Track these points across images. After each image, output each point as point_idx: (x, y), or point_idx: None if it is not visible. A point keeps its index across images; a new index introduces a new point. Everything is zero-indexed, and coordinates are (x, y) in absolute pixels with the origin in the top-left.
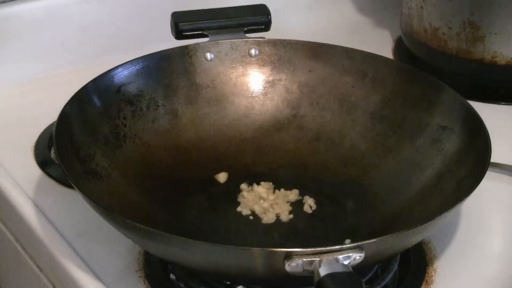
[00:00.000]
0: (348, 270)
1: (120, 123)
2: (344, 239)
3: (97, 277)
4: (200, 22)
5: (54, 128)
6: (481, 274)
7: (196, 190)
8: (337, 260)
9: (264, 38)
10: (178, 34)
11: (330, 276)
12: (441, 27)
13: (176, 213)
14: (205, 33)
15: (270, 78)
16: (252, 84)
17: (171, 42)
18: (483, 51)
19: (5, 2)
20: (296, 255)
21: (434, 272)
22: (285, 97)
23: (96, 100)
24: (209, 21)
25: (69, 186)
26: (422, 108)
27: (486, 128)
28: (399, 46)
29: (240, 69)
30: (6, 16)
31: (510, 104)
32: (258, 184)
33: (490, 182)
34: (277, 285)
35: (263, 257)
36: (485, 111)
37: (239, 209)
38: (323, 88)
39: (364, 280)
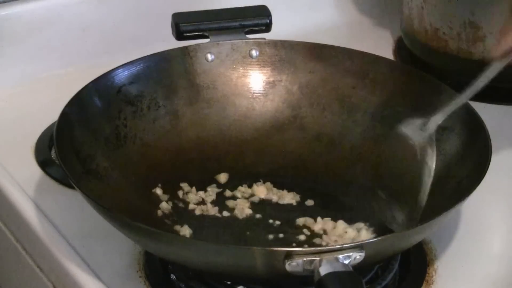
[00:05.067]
0: (348, 270)
1: (121, 123)
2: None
3: (98, 277)
4: (201, 23)
5: (55, 128)
6: (482, 274)
7: (196, 190)
8: (337, 259)
9: (264, 39)
10: (179, 35)
11: (330, 275)
12: (441, 27)
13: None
14: (206, 34)
15: (271, 79)
16: (253, 85)
17: (171, 43)
18: (484, 52)
19: (5, 2)
20: (297, 254)
21: (435, 272)
22: (286, 98)
23: (96, 101)
24: (210, 22)
25: (69, 186)
26: (422, 109)
27: (486, 128)
28: (400, 46)
29: (241, 70)
30: (6, 16)
31: (510, 104)
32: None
33: (490, 182)
34: (278, 285)
35: (264, 256)
36: (485, 111)
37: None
38: (324, 89)
39: (364, 280)
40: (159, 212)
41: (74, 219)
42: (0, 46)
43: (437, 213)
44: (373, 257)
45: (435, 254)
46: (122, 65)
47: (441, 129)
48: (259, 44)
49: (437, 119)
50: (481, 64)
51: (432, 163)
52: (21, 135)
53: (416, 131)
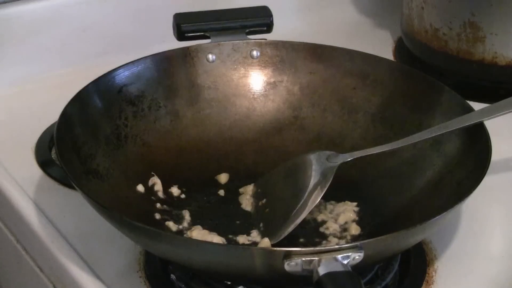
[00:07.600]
0: (347, 270)
1: (122, 123)
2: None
3: (98, 277)
4: (202, 23)
5: (55, 128)
6: (482, 274)
7: (197, 190)
8: (336, 259)
9: (265, 39)
10: (180, 35)
11: (328, 275)
12: (441, 28)
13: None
14: (207, 34)
15: (272, 80)
16: (254, 85)
17: (172, 43)
18: (484, 52)
19: (6, 2)
20: (295, 254)
21: (435, 272)
22: (287, 98)
23: (97, 101)
24: (211, 22)
25: (69, 186)
26: (422, 110)
27: (486, 129)
28: (400, 46)
29: (242, 71)
30: (7, 17)
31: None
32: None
33: (490, 182)
34: (277, 285)
35: (263, 256)
36: None
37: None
38: (324, 90)
39: (364, 280)
40: (159, 212)
41: (74, 219)
42: (0, 46)
43: (437, 213)
44: (373, 257)
45: (435, 254)
46: (123, 65)
47: None
48: (260, 45)
49: (346, 157)
50: (481, 64)
51: (321, 192)
52: (21, 135)
53: (321, 161)
